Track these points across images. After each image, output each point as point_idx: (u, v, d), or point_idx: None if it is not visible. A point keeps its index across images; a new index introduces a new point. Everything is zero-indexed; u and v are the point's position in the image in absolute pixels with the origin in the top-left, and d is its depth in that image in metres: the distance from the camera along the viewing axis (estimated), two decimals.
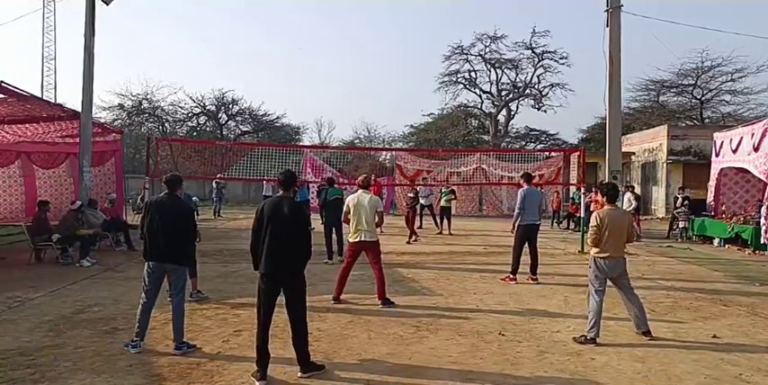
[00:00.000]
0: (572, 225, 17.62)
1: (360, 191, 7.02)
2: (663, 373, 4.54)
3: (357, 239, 6.84)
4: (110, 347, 5.05)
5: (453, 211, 22.46)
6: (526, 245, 8.59)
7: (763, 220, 11.58)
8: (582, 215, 13.10)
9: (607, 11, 12.36)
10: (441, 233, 15.64)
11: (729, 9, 55.79)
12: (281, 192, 4.68)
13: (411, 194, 14.81)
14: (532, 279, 8.47)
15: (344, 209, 7.05)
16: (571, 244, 13.47)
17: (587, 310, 5.51)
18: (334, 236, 10.33)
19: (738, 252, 12.62)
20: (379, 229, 7.20)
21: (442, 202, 16.06)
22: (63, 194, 16.00)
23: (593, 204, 15.46)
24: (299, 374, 4.41)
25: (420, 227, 17.29)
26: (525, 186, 8.65)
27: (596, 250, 5.53)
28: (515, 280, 8.39)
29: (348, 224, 7.01)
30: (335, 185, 11.08)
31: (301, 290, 4.54)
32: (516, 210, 8.58)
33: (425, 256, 11.30)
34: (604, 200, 5.69)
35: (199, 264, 7.54)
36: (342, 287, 6.99)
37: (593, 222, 5.56)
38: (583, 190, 13.63)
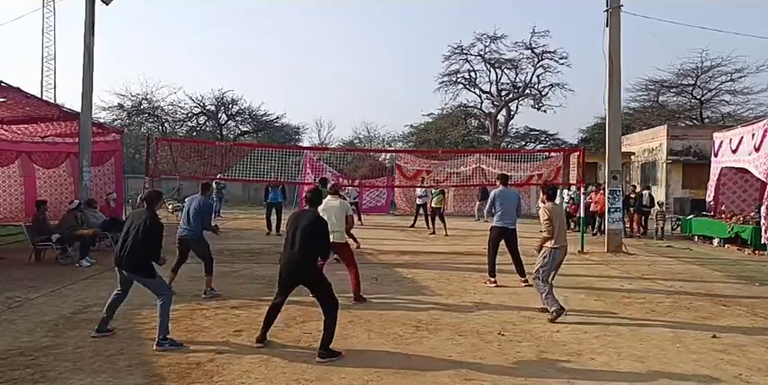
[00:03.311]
0: (572, 225, 17.60)
1: (328, 196, 7.42)
2: (663, 373, 4.54)
3: None
4: (110, 347, 5.04)
5: (452, 211, 22.61)
6: (503, 248, 8.40)
7: (762, 220, 11.58)
8: (582, 215, 13.08)
9: (607, 11, 12.36)
10: (434, 233, 15.63)
11: (729, 9, 55.81)
12: (307, 207, 5.53)
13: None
14: (523, 281, 8.20)
15: None
16: (571, 244, 13.46)
17: (543, 297, 6.19)
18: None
19: (738, 252, 12.62)
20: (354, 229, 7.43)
21: (433, 203, 16.08)
22: (63, 194, 15.99)
23: (593, 204, 15.56)
24: (317, 358, 4.75)
25: (413, 226, 17.36)
26: (500, 187, 8.52)
27: (551, 242, 6.22)
28: (496, 282, 8.18)
29: None
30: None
31: (318, 283, 5.09)
32: (486, 211, 8.80)
33: (425, 256, 11.30)
34: (545, 197, 6.65)
35: (201, 264, 7.60)
36: None
37: (544, 217, 6.28)
38: (583, 190, 13.62)
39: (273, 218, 15.17)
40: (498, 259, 8.43)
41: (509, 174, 20.19)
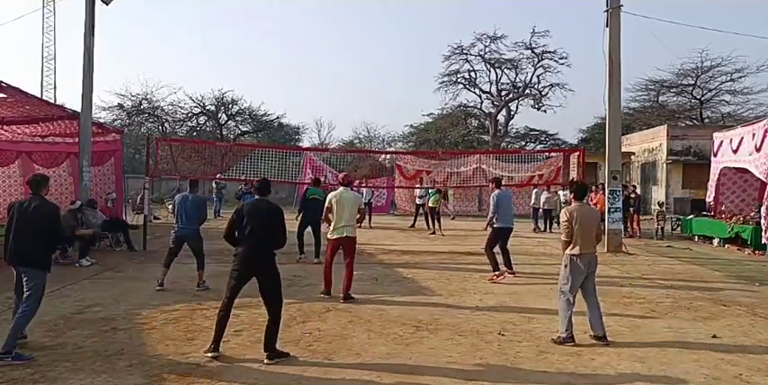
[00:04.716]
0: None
1: (341, 188, 7.28)
2: (663, 373, 4.54)
3: (339, 235, 7.06)
4: (110, 347, 5.05)
5: (453, 210, 22.61)
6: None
7: (762, 220, 11.58)
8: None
9: (607, 11, 12.36)
10: (434, 233, 15.64)
11: (729, 9, 55.81)
12: (257, 196, 5.26)
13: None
14: (510, 273, 8.72)
15: (326, 205, 7.26)
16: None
17: (562, 312, 5.43)
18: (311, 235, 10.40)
19: (738, 252, 12.62)
20: (359, 225, 7.47)
21: (430, 203, 16.12)
22: (63, 194, 15.97)
23: (592, 205, 15.54)
24: (265, 361, 4.66)
25: (413, 226, 17.37)
26: (497, 190, 8.87)
27: (570, 247, 5.50)
28: (503, 275, 8.58)
29: (328, 221, 7.24)
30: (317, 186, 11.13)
31: (272, 277, 4.99)
32: (490, 214, 8.88)
33: (425, 256, 11.30)
34: (572, 196, 5.88)
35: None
36: (330, 281, 7.22)
37: (563, 218, 5.61)
38: None
39: None
40: (500, 259, 8.64)
41: (510, 174, 20.41)
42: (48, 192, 5.30)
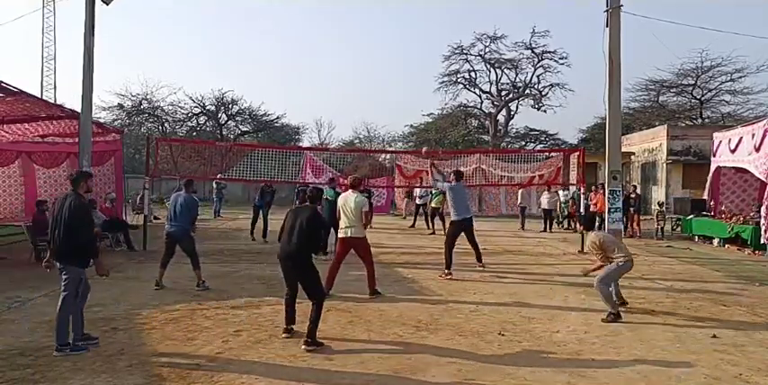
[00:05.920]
0: (574, 225, 17.55)
1: (348, 191, 7.51)
2: (663, 373, 4.54)
3: (343, 235, 7.31)
4: (110, 347, 5.05)
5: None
6: (462, 240, 9.10)
7: (762, 220, 11.58)
8: (582, 213, 13.08)
9: (607, 11, 12.34)
10: (433, 233, 15.64)
11: (729, 9, 55.78)
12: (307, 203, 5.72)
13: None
14: (480, 266, 8.98)
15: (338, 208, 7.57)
16: (571, 244, 13.45)
17: (605, 301, 6.28)
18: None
19: (738, 252, 12.62)
20: (369, 227, 7.77)
21: (433, 203, 16.12)
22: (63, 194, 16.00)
23: (592, 205, 15.54)
24: (302, 347, 4.98)
25: (413, 226, 17.37)
26: (453, 183, 9.10)
27: (618, 259, 6.29)
28: (451, 275, 8.68)
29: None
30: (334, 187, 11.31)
31: (307, 274, 5.29)
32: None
33: (425, 256, 11.30)
34: (582, 228, 6.78)
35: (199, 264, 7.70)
36: (332, 281, 7.28)
37: (594, 249, 6.41)
38: (583, 190, 13.61)
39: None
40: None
41: (511, 174, 20.38)
42: (89, 189, 5.32)
